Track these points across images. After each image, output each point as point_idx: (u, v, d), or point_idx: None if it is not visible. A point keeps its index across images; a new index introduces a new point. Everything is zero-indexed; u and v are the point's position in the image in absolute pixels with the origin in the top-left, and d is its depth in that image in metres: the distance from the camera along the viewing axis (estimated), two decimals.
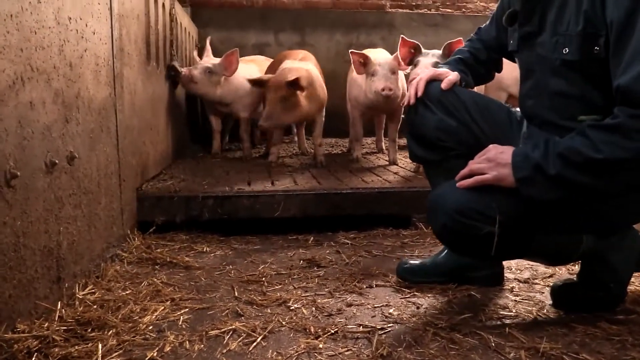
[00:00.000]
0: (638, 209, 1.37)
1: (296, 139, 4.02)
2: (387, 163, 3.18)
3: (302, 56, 3.31)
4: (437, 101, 1.52)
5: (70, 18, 1.48)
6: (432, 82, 1.55)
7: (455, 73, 1.57)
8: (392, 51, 3.65)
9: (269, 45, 4.69)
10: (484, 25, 1.74)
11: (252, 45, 4.63)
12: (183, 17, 3.63)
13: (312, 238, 2.20)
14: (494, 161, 1.30)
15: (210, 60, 3.24)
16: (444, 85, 1.52)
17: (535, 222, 1.33)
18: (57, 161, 1.35)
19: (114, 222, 1.84)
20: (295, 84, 2.76)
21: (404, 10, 5.06)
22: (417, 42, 2.71)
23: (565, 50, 1.31)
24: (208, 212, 2.25)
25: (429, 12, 5.14)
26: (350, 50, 2.95)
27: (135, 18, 2.22)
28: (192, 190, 2.30)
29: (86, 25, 1.60)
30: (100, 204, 1.69)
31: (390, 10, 5.05)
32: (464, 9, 5.23)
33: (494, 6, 5.11)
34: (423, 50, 2.70)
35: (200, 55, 3.41)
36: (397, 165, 3.10)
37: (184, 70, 3.07)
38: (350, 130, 3.48)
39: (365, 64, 2.87)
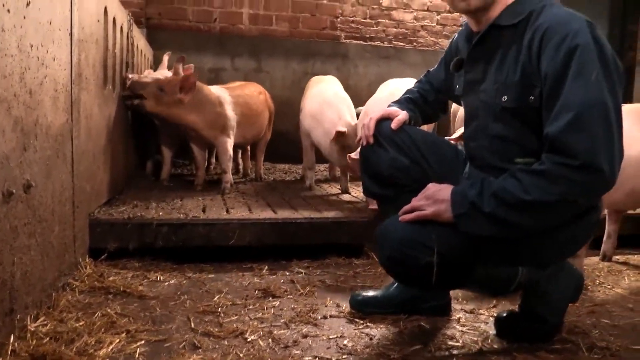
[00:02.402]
0: (569, 243, 1.49)
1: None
2: (340, 191, 3.25)
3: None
4: (390, 140, 1.60)
5: (32, 45, 1.47)
6: (383, 121, 1.63)
7: (405, 112, 1.65)
8: (342, 80, 3.78)
9: (225, 70, 4.73)
10: (433, 68, 1.84)
11: (208, 69, 4.66)
12: (139, 39, 3.61)
13: (266, 267, 2.22)
14: (432, 198, 1.40)
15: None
16: (394, 125, 1.60)
17: (473, 253, 1.41)
18: (14, 190, 1.33)
19: (66, 250, 1.81)
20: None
21: (358, 42, 5.23)
22: None
23: (504, 98, 1.42)
24: (162, 239, 2.23)
25: (382, 44, 5.33)
26: (348, 156, 2.39)
27: (94, 42, 2.21)
28: (146, 216, 2.29)
29: (47, 51, 1.59)
30: (53, 231, 1.67)
31: (344, 41, 5.20)
32: (415, 43, 5.45)
33: (443, 42, 5.38)
34: None
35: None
36: (349, 194, 3.18)
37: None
38: (303, 157, 3.54)
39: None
